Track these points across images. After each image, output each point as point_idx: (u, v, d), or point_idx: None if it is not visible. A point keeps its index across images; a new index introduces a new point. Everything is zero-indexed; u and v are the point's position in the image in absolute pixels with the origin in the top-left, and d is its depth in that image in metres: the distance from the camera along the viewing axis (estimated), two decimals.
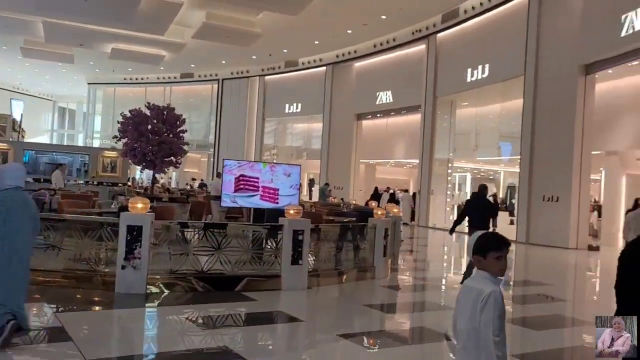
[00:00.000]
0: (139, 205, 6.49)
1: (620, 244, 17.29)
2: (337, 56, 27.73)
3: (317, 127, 30.22)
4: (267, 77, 32.39)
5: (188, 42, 25.41)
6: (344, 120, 27.99)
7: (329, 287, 7.61)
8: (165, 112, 12.42)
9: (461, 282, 8.63)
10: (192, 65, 32.43)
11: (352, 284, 7.96)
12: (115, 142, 13.64)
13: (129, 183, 22.55)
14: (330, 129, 28.63)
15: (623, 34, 13.79)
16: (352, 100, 27.65)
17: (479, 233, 2.65)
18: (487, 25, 19.57)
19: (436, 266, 12.06)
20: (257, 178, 7.76)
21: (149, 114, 12.39)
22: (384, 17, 21.80)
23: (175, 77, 35.08)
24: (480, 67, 19.78)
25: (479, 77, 19.82)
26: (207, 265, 6.84)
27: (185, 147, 13.05)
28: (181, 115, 12.85)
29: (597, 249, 15.85)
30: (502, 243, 2.59)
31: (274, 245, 7.27)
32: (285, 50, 27.79)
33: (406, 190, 25.91)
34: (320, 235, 7.65)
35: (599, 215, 19.73)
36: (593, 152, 16.42)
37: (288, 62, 30.14)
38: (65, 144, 40.02)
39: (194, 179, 32.81)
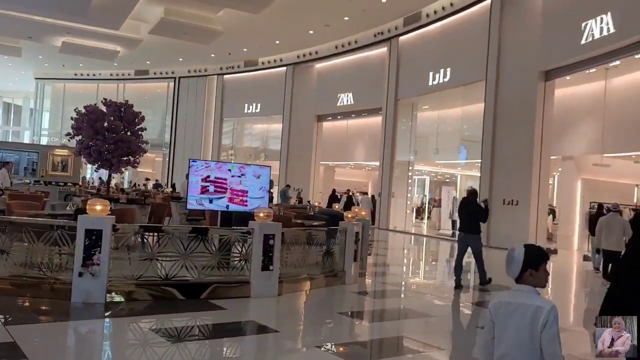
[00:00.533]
0: (99, 208, 6.01)
1: (575, 247, 17.76)
2: (297, 57, 27.47)
3: (276, 128, 29.88)
4: (225, 76, 31.79)
5: (144, 38, 24.58)
6: (304, 121, 27.74)
7: (299, 293, 7.31)
8: (123, 109, 11.80)
9: (455, 287, 8.56)
10: (148, 62, 31.48)
11: (322, 290, 7.67)
12: (69, 140, 12.88)
13: (80, 183, 21.52)
14: (290, 130, 28.34)
15: (583, 41, 14.10)
16: (313, 101, 27.44)
17: (520, 248, 2.56)
18: (449, 30, 19.72)
19: (404, 270, 11.92)
20: (225, 179, 7.37)
21: (105, 110, 11.76)
22: (346, 18, 21.69)
23: (129, 74, 33.93)
24: (442, 70, 19.91)
25: (441, 80, 19.95)
26: (172, 272, 6.42)
27: (144, 146, 12.47)
28: (140, 112, 12.24)
29: (554, 252, 16.16)
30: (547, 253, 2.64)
31: (243, 250, 6.90)
32: (245, 49, 27.31)
33: (365, 193, 25.89)
34: (291, 240, 7.33)
35: (554, 219, 20.22)
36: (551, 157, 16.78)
37: (247, 61, 29.66)
38: (10, 141, 38.09)
39: (147, 179, 31.75)
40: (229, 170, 7.41)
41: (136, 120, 12.02)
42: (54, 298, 5.99)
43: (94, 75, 34.74)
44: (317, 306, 7.05)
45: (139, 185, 29.52)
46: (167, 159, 33.94)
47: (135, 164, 12.52)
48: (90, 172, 34.23)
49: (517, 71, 16.69)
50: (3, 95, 43.55)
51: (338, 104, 26.00)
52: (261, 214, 6.86)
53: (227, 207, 7.45)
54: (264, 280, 6.81)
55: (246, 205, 7.57)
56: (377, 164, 25.50)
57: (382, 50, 23.45)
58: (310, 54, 26.86)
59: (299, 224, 8.58)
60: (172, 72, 33.01)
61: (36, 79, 36.32)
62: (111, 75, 34.25)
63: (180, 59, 30.29)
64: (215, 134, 32.50)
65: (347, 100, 25.57)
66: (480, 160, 17.93)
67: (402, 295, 8.22)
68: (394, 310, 6.98)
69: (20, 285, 6.06)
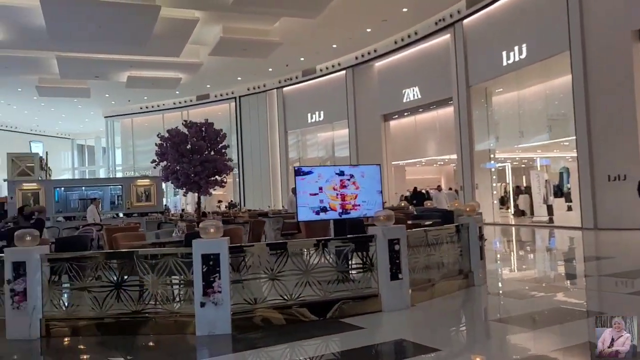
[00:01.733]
0: (212, 230, 5.51)
1: None
2: (356, 58, 26.85)
3: (341, 134, 29.31)
4: (285, 89, 31.57)
5: (204, 61, 24.71)
6: (370, 123, 27.05)
7: (432, 301, 6.52)
8: (204, 128, 11.52)
9: None
10: (208, 86, 31.78)
11: (455, 295, 6.86)
12: (154, 167, 12.76)
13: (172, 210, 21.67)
14: (357, 133, 27.71)
15: None
16: (377, 101, 26.70)
17: None
18: (519, 3, 18.47)
19: (525, 264, 10.82)
20: (335, 185, 6.74)
21: (187, 132, 11.51)
22: (404, 9, 20.86)
23: (191, 100, 34.44)
24: (516, 48, 18.67)
25: (517, 58, 18.70)
26: (295, 291, 5.82)
27: (230, 164, 12.13)
28: (221, 130, 11.95)
29: None
30: None
31: (366, 260, 6.22)
32: (302, 59, 26.96)
33: (450, 188, 24.82)
34: (415, 243, 6.59)
35: None
36: None
37: (305, 70, 29.33)
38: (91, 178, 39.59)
39: (220, 201, 31.96)
40: (337, 174, 6.77)
41: (218, 138, 11.71)
42: (177, 333, 5.53)
43: (157, 106, 35.51)
44: (460, 314, 6.24)
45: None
46: (237, 179, 34.03)
47: (223, 184, 12.19)
48: (165, 200, 34.95)
49: (606, 35, 15.27)
50: (75, 138, 45.50)
51: (404, 100, 25.14)
52: (381, 217, 6.17)
53: (340, 214, 6.81)
54: (394, 290, 6.10)
55: (359, 210, 6.90)
56: (451, 157, 24.51)
57: (445, 37, 22.41)
58: (368, 53, 26.18)
59: (413, 225, 7.83)
60: (232, 93, 33.20)
61: (105, 117, 37.54)
62: (174, 103, 34.88)
63: (239, 78, 30.37)
64: (282, 148, 32.29)
65: (414, 94, 24.67)
66: (574, 137, 16.54)
67: (547, 292, 7.12)
68: (555, 311, 5.94)
69: (139, 322, 5.63)
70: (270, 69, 28.36)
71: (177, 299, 5.75)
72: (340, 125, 29.09)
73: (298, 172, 6.74)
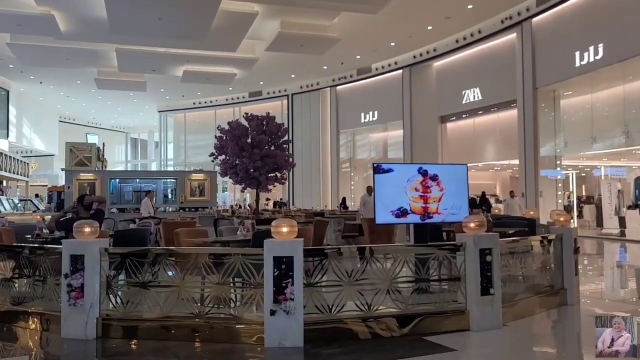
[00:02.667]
0: (285, 230, 4.94)
1: None
2: (414, 57, 26.01)
3: (395, 135, 28.53)
4: (338, 88, 30.99)
5: (259, 57, 24.42)
6: (426, 124, 26.15)
7: (524, 321, 5.75)
8: (265, 122, 11.04)
9: None
10: (261, 83, 31.57)
11: (549, 315, 6.09)
12: (212, 160, 12.36)
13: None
14: (412, 135, 26.83)
15: None
16: (434, 102, 25.79)
17: None
18: (596, 1, 17.27)
19: (611, 281, 9.83)
20: (417, 186, 6.08)
21: (247, 125, 11.05)
22: (470, 7, 19.91)
23: (243, 97, 34.35)
24: (591, 48, 17.46)
25: (591, 59, 17.49)
26: (374, 301, 5.19)
27: (291, 160, 11.61)
28: (283, 124, 11.44)
29: None
30: None
31: (452, 271, 5.53)
32: (358, 57, 26.32)
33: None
34: (507, 254, 5.85)
35: None
36: None
37: (360, 69, 28.69)
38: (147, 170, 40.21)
39: (268, 199, 31.69)
40: (420, 173, 6.10)
41: (279, 132, 11.21)
42: (244, 342, 4.99)
43: (210, 102, 35.59)
44: (560, 339, 5.46)
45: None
46: (287, 178, 33.64)
47: (283, 180, 11.69)
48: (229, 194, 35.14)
49: None
50: (129, 131, 46.40)
51: (463, 102, 24.15)
52: (472, 224, 5.46)
53: (422, 218, 6.13)
54: (484, 307, 5.38)
55: (443, 215, 6.21)
56: (511, 162, 23.42)
57: (511, 36, 21.34)
58: (427, 52, 25.32)
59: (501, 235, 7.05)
60: (285, 90, 32.88)
61: (159, 111, 37.96)
62: (227, 100, 34.88)
63: (293, 76, 30.01)
64: (333, 148, 31.71)
65: (474, 96, 23.65)
66: None
67: None
68: None
69: (202, 328, 5.13)
70: (324, 67, 27.87)
71: (245, 304, 5.21)
72: (394, 126, 28.32)
73: (377, 170, 6.09)
